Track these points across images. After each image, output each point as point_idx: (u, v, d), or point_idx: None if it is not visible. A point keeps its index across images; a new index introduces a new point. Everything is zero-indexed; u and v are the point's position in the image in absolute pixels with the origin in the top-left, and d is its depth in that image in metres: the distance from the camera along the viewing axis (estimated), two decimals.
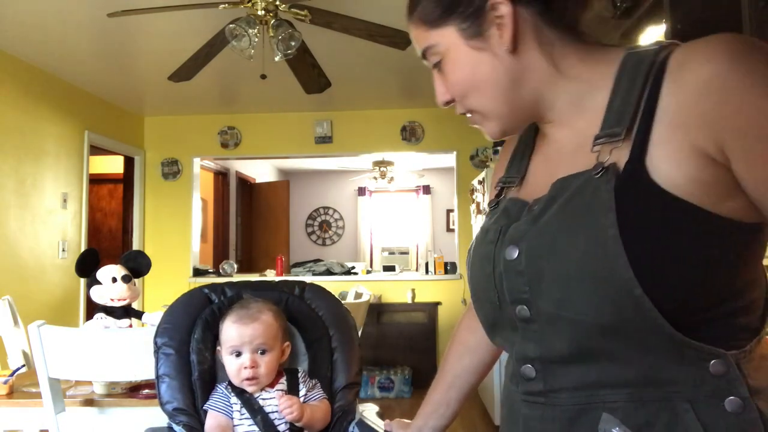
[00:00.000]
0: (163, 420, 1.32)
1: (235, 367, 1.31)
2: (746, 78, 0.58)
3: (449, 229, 8.73)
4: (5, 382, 1.82)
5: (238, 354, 1.31)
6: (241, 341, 1.31)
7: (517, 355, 0.72)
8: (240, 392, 1.32)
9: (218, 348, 1.37)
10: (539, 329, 0.67)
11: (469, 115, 0.77)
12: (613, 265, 0.59)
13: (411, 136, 5.25)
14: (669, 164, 0.61)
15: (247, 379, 1.30)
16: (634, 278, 0.58)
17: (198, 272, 5.38)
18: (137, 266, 2.18)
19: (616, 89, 0.67)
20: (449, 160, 5.79)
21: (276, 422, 1.30)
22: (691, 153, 0.60)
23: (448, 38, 0.73)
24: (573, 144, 0.71)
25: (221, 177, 7.03)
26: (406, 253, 8.85)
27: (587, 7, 0.73)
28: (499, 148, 4.32)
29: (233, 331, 1.32)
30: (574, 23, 0.73)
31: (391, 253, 8.79)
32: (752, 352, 0.63)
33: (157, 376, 1.34)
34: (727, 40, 0.60)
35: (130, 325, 2.12)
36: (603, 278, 0.60)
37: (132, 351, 1.63)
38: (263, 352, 1.32)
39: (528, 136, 0.84)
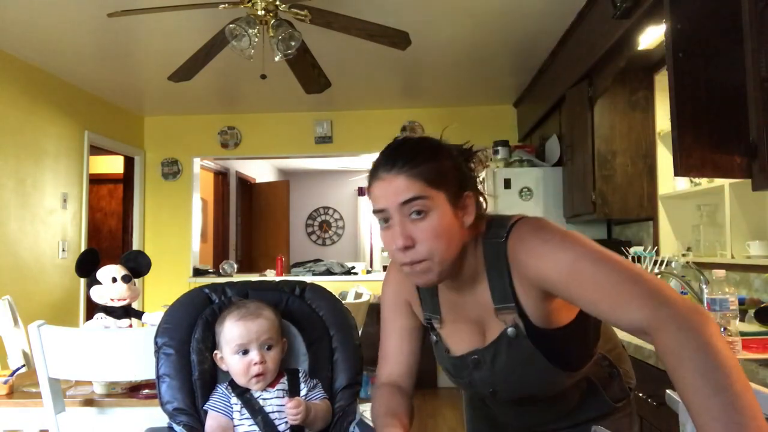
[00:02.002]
0: (163, 420, 1.32)
1: (242, 365, 1.30)
2: (543, 248, 0.98)
3: None
4: (5, 382, 1.82)
5: (245, 352, 1.31)
6: (248, 338, 1.30)
7: (502, 400, 1.22)
8: (240, 392, 1.32)
9: (215, 352, 1.35)
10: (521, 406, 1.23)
11: (412, 265, 1.00)
12: (554, 371, 1.08)
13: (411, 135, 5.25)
14: (535, 312, 1.04)
15: (257, 375, 1.30)
16: (558, 369, 1.09)
17: (198, 272, 5.38)
18: (137, 266, 2.18)
19: (489, 276, 1.06)
20: None
21: (276, 422, 1.30)
22: (539, 299, 1.03)
23: (439, 198, 1.00)
24: (471, 304, 1.11)
25: (221, 177, 7.03)
26: None
27: None
28: (499, 148, 4.31)
29: (239, 329, 1.31)
30: None
31: None
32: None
33: (158, 376, 1.34)
34: (528, 227, 1.02)
35: (130, 325, 2.12)
36: (550, 376, 1.10)
37: (132, 351, 1.63)
38: (269, 348, 1.32)
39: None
